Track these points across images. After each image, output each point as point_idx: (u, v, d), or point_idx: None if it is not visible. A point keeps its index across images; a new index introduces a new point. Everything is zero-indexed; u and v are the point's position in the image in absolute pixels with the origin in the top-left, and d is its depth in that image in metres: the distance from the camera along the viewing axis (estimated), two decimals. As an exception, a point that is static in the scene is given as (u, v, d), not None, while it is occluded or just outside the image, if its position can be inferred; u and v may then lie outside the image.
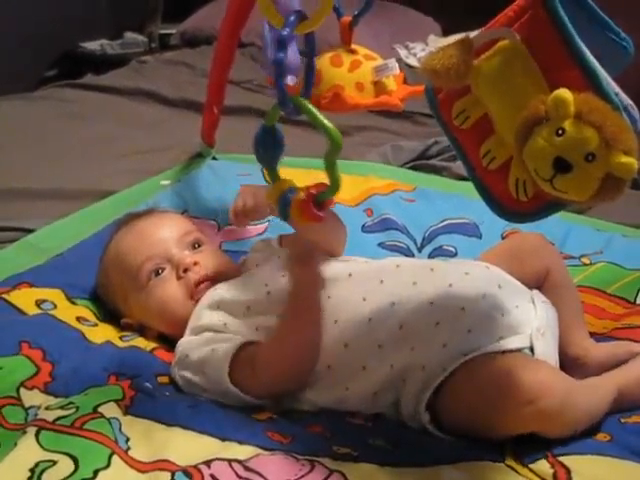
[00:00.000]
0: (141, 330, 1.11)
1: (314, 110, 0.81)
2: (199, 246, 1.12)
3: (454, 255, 1.31)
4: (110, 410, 0.90)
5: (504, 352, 0.92)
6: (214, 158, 1.63)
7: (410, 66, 2.37)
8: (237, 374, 0.94)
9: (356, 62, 1.02)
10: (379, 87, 1.01)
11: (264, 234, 1.36)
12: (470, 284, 0.97)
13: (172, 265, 1.08)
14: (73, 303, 1.14)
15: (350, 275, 1.01)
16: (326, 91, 0.99)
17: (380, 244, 1.33)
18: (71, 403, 0.90)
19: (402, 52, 2.53)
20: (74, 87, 2.19)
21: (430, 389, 0.91)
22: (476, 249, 1.30)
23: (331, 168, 0.79)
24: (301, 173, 1.41)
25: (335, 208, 1.39)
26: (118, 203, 1.43)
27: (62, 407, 0.90)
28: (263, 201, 1.08)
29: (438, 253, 1.32)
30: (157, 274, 1.08)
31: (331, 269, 1.02)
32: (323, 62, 1.01)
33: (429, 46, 2.73)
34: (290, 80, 1.24)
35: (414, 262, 1.05)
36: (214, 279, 1.07)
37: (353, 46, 1.05)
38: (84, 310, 1.13)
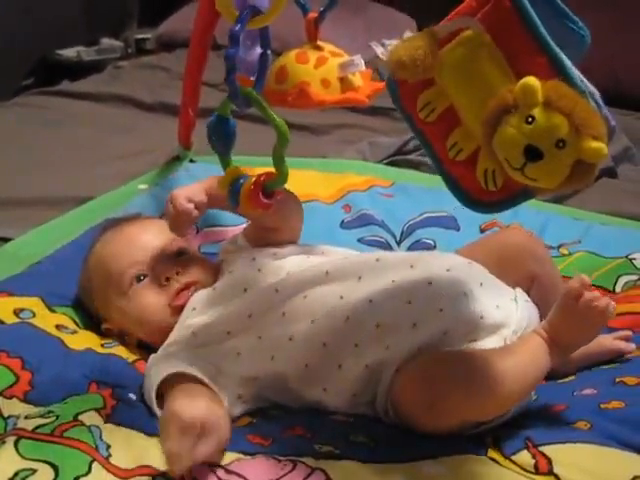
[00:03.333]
0: (121, 336, 1.10)
1: (263, 102, 0.82)
2: (183, 254, 1.11)
3: (433, 248, 1.31)
4: (90, 418, 0.89)
5: None
6: (191, 160, 1.62)
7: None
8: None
9: (322, 58, 1.01)
10: (345, 83, 1.01)
11: (242, 235, 1.35)
12: (451, 282, 0.96)
13: (154, 272, 1.08)
14: (52, 311, 1.13)
15: (327, 273, 1.00)
16: (292, 88, 0.98)
17: (360, 239, 1.33)
18: (51, 412, 0.90)
19: (378, 50, 2.51)
20: (50, 94, 2.18)
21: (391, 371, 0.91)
22: (455, 241, 1.31)
23: (279, 160, 0.81)
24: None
25: (312, 205, 1.41)
26: (96, 209, 1.42)
27: (42, 416, 0.89)
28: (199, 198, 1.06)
29: (417, 247, 1.32)
30: (139, 280, 1.07)
31: (308, 266, 1.01)
32: (289, 59, 1.01)
33: (405, 42, 2.73)
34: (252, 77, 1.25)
35: (394, 257, 1.04)
36: (197, 285, 1.06)
37: (319, 43, 1.04)
38: (63, 318, 1.12)
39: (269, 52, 0.86)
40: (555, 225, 1.38)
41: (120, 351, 1.07)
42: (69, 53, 2.88)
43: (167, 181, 1.53)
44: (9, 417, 0.90)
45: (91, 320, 1.14)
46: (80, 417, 0.89)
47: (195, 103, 1.56)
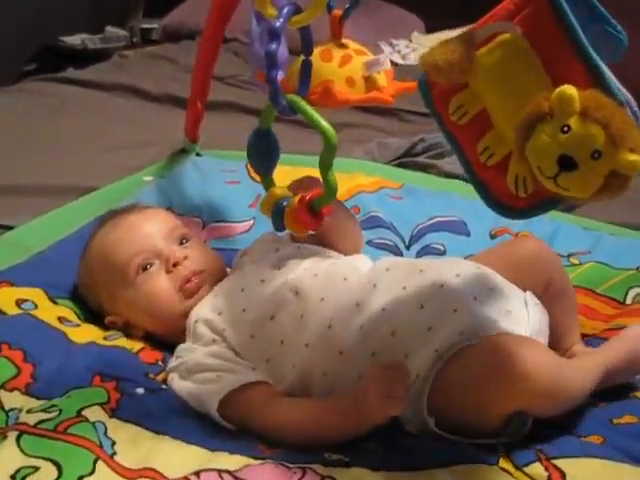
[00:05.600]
0: (126, 329, 1.08)
1: (309, 108, 0.79)
2: (186, 241, 1.10)
3: (443, 253, 1.29)
4: (95, 413, 0.87)
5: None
6: (198, 154, 1.60)
7: (394, 64, 2.35)
8: (229, 412, 0.91)
9: (347, 57, 0.99)
10: (370, 82, 0.99)
11: (250, 231, 1.33)
12: (462, 286, 0.95)
13: (161, 260, 1.06)
14: (55, 303, 1.10)
15: (345, 279, 0.99)
16: (316, 86, 0.96)
17: (368, 242, 1.30)
18: (54, 406, 0.88)
19: (386, 49, 2.52)
20: (55, 81, 2.14)
21: (424, 393, 0.89)
22: (465, 247, 1.29)
23: (326, 171, 0.77)
24: (286, 170, 1.42)
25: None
26: (100, 200, 1.40)
27: (44, 410, 0.87)
28: None
29: (426, 252, 1.30)
30: (145, 269, 1.06)
31: (329, 270, 1.00)
32: (313, 57, 0.98)
33: (413, 43, 2.71)
34: (278, 75, 1.23)
35: (403, 263, 1.03)
36: (204, 274, 1.06)
37: (343, 40, 1.03)
38: (66, 310, 1.10)
39: (310, 58, 0.84)
40: (565, 234, 1.36)
41: (124, 343, 1.04)
42: (73, 40, 2.85)
43: (173, 174, 1.51)
44: (10, 410, 0.88)
45: (93, 313, 1.12)
46: (84, 412, 0.87)
47: (204, 96, 1.54)
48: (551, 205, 0.76)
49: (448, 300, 0.93)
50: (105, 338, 1.05)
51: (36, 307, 1.07)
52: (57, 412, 0.86)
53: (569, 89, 0.65)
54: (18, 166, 1.59)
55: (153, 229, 1.09)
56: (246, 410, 0.91)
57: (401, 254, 1.29)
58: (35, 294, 1.10)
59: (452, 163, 1.60)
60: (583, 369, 0.93)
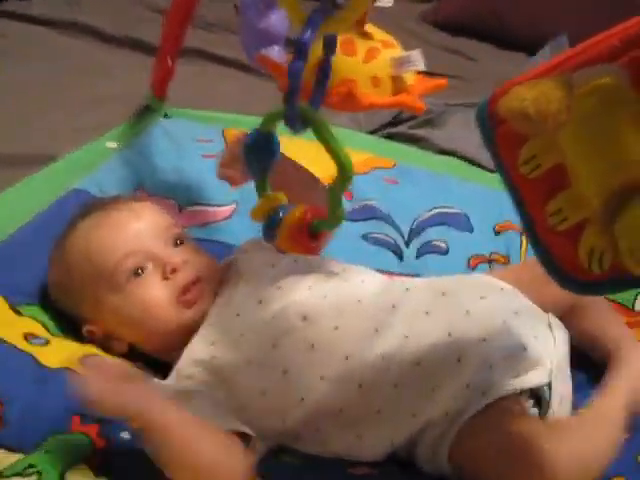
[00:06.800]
0: (106, 341, 0.95)
1: (326, 128, 0.68)
2: (181, 242, 0.97)
3: (445, 252, 1.19)
4: (80, 477, 0.76)
5: (521, 393, 0.84)
6: (165, 115, 1.43)
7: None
8: None
9: (373, 51, 0.83)
10: (397, 82, 0.84)
11: (231, 218, 1.20)
12: (487, 311, 0.87)
13: (155, 264, 0.93)
14: (17, 313, 0.96)
15: (359, 301, 0.88)
16: (337, 85, 0.82)
17: (364, 236, 1.19)
18: (31, 466, 0.76)
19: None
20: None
21: (449, 440, 0.82)
22: (468, 244, 1.21)
23: (335, 201, 0.70)
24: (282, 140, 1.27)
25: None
26: (61, 174, 1.23)
27: (20, 474, 0.75)
28: None
29: (428, 250, 1.19)
30: (137, 274, 0.93)
31: (338, 291, 0.89)
32: (331, 49, 0.84)
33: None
34: (277, 52, 1.07)
35: (423, 284, 0.93)
36: (202, 282, 0.93)
37: (367, 27, 0.87)
38: (31, 323, 0.95)
39: (331, 58, 0.70)
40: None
41: (101, 367, 0.92)
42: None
43: (140, 141, 1.34)
44: (-22, 467, 0.76)
45: (63, 319, 0.99)
46: (67, 476, 0.75)
47: (175, 50, 1.36)
48: (626, 286, 0.66)
49: (476, 329, 0.85)
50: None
51: (-3, 322, 0.93)
52: (36, 476, 0.75)
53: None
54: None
55: (145, 228, 0.96)
56: None
57: (401, 253, 1.18)
58: (-6, 303, 0.96)
59: (445, 137, 1.49)
60: (610, 422, 0.86)
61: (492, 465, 0.80)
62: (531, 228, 0.69)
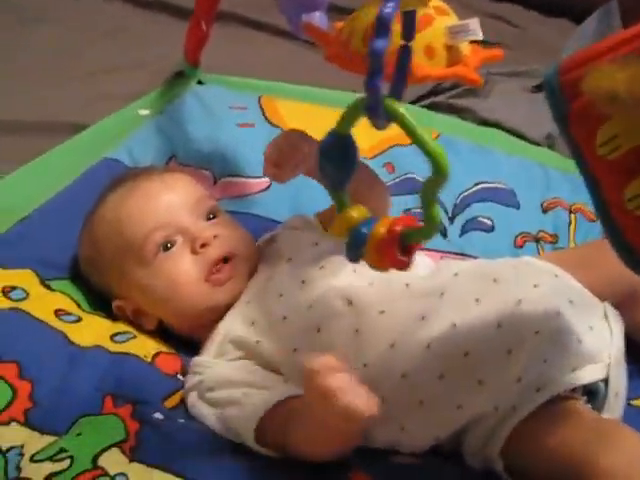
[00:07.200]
0: (136, 317, 0.92)
1: (413, 122, 0.60)
2: (214, 216, 0.93)
3: (491, 229, 1.14)
4: (113, 461, 0.73)
5: (574, 389, 0.80)
6: (199, 82, 1.37)
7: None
8: (267, 438, 0.77)
9: (427, 18, 0.77)
10: (452, 53, 0.78)
11: (268, 190, 1.15)
12: (541, 300, 0.82)
13: (185, 238, 0.89)
14: (48, 288, 0.93)
15: (407, 285, 0.84)
16: (389, 55, 0.76)
17: (406, 211, 1.14)
18: (62, 450, 0.73)
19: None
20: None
21: (502, 437, 0.78)
22: (514, 222, 1.15)
23: (430, 203, 0.60)
24: (322, 111, 1.20)
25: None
26: (92, 143, 1.18)
27: (51, 458, 0.72)
28: (304, 150, 0.86)
29: (472, 226, 1.14)
30: (166, 248, 0.89)
31: (385, 274, 0.84)
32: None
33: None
34: (318, 19, 1.01)
35: (473, 268, 0.88)
36: (235, 259, 0.90)
37: (421, -8, 0.81)
38: (63, 298, 0.92)
39: (411, 44, 0.64)
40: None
41: (136, 347, 0.88)
42: None
43: (173, 109, 1.29)
44: (9, 450, 0.73)
45: (95, 295, 0.95)
46: (100, 461, 0.72)
47: (210, 15, 1.31)
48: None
49: (528, 319, 0.80)
50: (112, 338, 0.89)
51: (27, 296, 0.90)
52: (68, 462, 0.71)
53: None
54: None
55: (176, 200, 0.92)
56: (282, 431, 0.76)
57: (444, 229, 1.13)
58: (24, 277, 0.92)
59: (488, 108, 1.43)
60: None
61: (545, 468, 0.75)
62: (605, 210, 0.63)
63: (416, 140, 0.60)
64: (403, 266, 0.63)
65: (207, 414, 0.81)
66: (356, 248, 0.64)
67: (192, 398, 0.83)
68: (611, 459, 0.71)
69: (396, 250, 0.62)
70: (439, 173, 0.59)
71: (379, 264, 0.64)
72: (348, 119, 0.63)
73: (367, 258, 0.64)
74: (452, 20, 0.80)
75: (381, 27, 0.58)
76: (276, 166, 0.86)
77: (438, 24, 0.79)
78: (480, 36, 0.79)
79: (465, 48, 0.80)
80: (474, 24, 0.79)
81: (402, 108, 0.60)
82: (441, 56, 0.78)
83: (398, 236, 0.62)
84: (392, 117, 0.60)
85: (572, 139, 0.62)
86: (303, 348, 0.82)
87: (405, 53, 0.64)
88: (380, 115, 0.59)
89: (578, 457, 0.72)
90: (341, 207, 0.66)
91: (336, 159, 0.65)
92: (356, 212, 0.65)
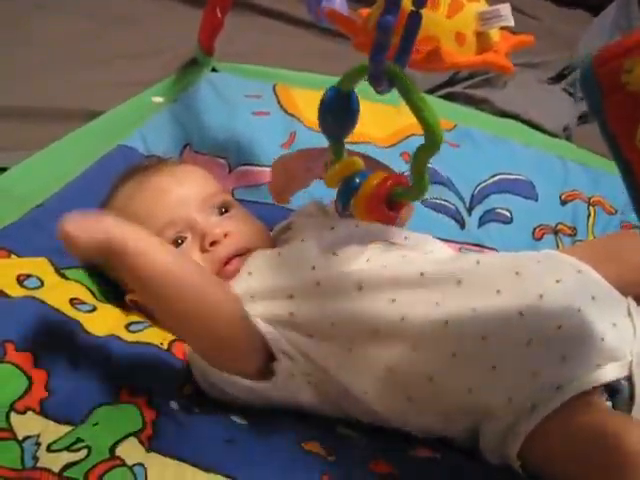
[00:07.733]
0: (148, 310, 0.89)
1: (414, 88, 0.64)
2: (226, 210, 0.92)
3: (510, 221, 1.13)
4: (131, 451, 0.72)
5: (595, 388, 0.77)
6: (213, 69, 1.36)
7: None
8: None
9: (456, 4, 0.76)
10: (482, 40, 0.77)
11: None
12: (563, 295, 0.80)
13: (195, 234, 0.88)
14: (63, 276, 0.91)
15: (422, 275, 0.82)
16: (419, 42, 0.74)
17: (423, 201, 1.12)
18: (79, 440, 0.71)
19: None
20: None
21: (520, 436, 0.76)
22: (533, 214, 1.15)
23: (420, 169, 0.65)
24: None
25: (365, 150, 1.19)
26: (105, 130, 1.17)
27: (68, 448, 0.71)
28: (297, 172, 0.88)
29: (490, 218, 1.13)
30: (177, 244, 0.88)
31: (400, 263, 0.83)
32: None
33: None
34: (339, 5, 0.99)
35: (495, 261, 0.86)
36: (248, 252, 0.88)
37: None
38: (77, 287, 0.91)
39: (421, 12, 0.63)
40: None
41: (152, 335, 0.87)
42: None
43: (187, 96, 1.27)
44: (26, 439, 0.72)
45: (107, 284, 0.94)
46: (118, 451, 0.71)
47: (226, 3, 1.29)
48: None
49: (551, 314, 0.78)
50: (127, 327, 0.88)
51: (42, 285, 0.88)
52: (86, 451, 0.70)
53: None
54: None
55: (188, 194, 0.91)
56: None
57: (462, 220, 1.11)
58: (39, 266, 0.91)
59: (506, 99, 1.42)
60: None
61: (565, 470, 0.74)
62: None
63: (412, 107, 0.61)
64: (389, 220, 0.68)
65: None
66: (346, 196, 0.68)
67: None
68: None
69: (384, 204, 0.67)
70: (432, 142, 0.60)
71: (366, 214, 0.67)
72: (351, 79, 0.67)
73: (356, 206, 0.66)
74: (482, 6, 0.79)
75: (390, 3, 0.58)
76: (278, 195, 0.91)
77: (468, 10, 0.77)
78: (511, 22, 0.78)
79: (495, 35, 0.79)
80: (505, 9, 0.77)
81: (405, 75, 0.64)
82: (470, 43, 0.77)
83: (388, 190, 0.65)
84: (394, 83, 0.61)
85: (609, 132, 0.60)
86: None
87: (414, 20, 0.63)
88: (381, 82, 0.62)
89: (599, 459, 0.71)
90: (338, 157, 0.68)
91: (337, 113, 0.68)
92: (352, 163, 0.69)
